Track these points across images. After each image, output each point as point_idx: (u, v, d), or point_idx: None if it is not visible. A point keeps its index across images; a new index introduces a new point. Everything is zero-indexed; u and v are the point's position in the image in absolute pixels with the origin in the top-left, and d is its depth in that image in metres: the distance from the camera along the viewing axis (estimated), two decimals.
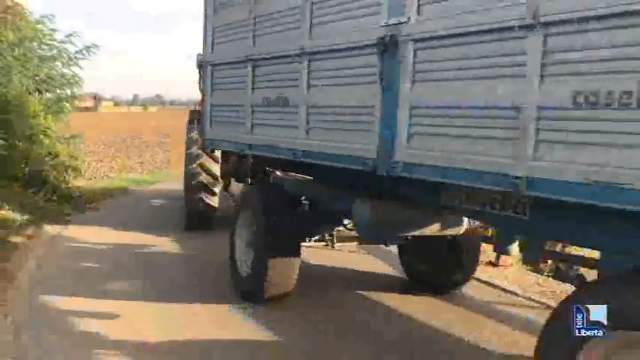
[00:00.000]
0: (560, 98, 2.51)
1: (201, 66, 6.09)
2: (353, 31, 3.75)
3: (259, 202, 5.29)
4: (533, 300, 5.56)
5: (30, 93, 10.32)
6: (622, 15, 2.28)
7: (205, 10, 5.73)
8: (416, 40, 3.28)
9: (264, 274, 4.97)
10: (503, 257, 6.72)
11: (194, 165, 8.11)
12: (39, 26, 10.78)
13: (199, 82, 6.25)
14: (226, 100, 5.61)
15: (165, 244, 7.64)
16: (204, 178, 8.10)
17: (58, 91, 11.25)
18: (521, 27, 2.66)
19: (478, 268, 6.55)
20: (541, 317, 5.09)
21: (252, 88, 4.99)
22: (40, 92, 10.72)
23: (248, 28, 4.98)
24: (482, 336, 4.64)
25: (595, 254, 8.46)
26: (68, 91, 11.30)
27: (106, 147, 25.42)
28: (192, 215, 8.30)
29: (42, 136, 10.25)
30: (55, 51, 11.00)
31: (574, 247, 8.54)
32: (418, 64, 3.29)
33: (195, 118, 8.14)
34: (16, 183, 10.13)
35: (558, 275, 7.05)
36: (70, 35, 11.02)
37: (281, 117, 4.60)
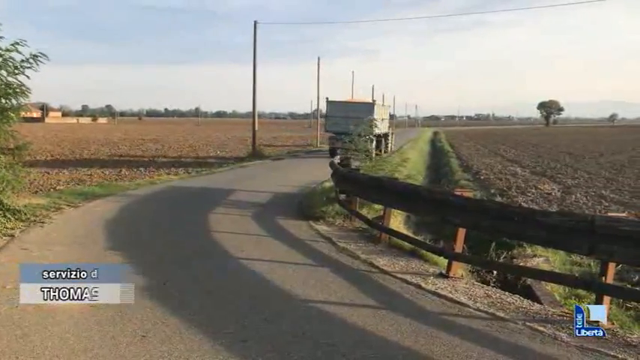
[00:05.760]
0: None
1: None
2: None
3: None
4: (483, 311, 5.67)
5: None
6: None
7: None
8: None
9: None
10: (453, 269, 6.87)
11: None
12: None
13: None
14: None
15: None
16: None
17: (2, 100, 10.81)
18: None
19: (429, 280, 6.68)
20: (491, 328, 5.22)
21: None
22: None
23: None
24: (434, 347, 4.69)
25: (542, 266, 8.72)
26: (14, 101, 10.88)
27: (53, 159, 24.61)
28: None
29: None
30: (0, 59, 10.58)
31: (521, 258, 8.81)
32: None
33: None
34: None
35: (506, 286, 7.25)
36: (17, 43, 10.62)
37: None
